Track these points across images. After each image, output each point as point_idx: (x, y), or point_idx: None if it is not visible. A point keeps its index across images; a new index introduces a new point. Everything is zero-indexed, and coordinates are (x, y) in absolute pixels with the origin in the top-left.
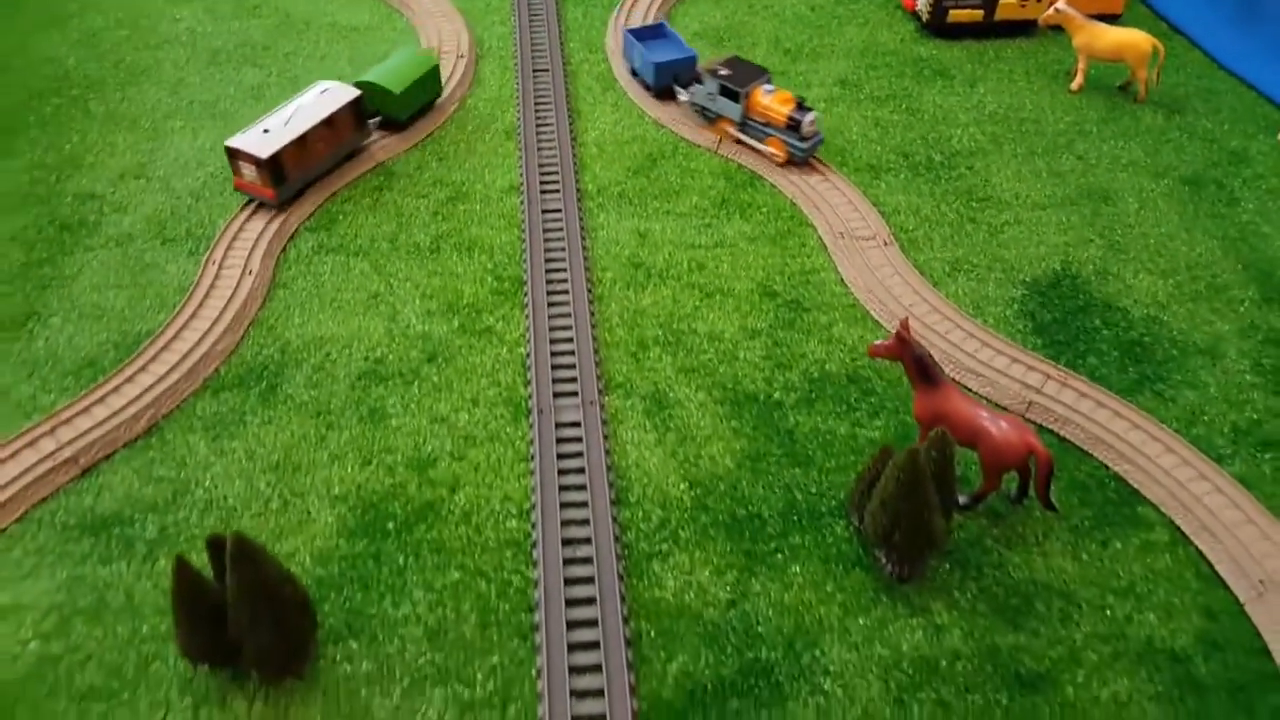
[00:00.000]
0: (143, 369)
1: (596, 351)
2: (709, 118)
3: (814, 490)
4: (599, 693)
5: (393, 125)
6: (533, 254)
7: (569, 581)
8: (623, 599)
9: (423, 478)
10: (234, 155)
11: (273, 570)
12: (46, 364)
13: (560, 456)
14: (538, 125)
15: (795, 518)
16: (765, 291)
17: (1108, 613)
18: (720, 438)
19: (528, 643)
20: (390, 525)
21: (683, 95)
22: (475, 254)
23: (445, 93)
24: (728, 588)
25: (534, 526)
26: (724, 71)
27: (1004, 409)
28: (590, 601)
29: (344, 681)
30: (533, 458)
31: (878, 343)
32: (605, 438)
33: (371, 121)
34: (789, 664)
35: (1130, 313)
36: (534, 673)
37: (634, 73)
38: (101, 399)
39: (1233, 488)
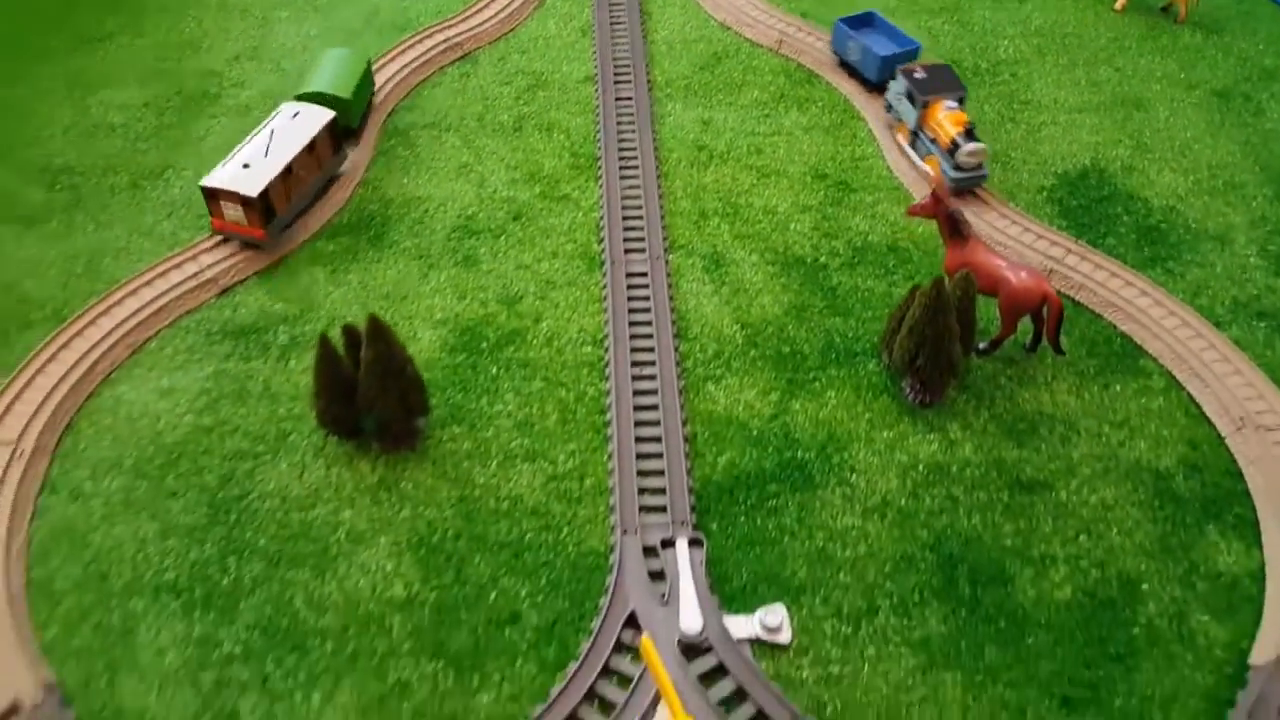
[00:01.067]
0: None
1: (662, 217)
2: (896, 118)
3: (851, 335)
4: (659, 473)
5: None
6: (606, 135)
7: (637, 393)
8: (682, 408)
9: (510, 311)
10: (213, 196)
11: (399, 350)
12: (182, 207)
13: (630, 299)
14: (612, 24)
15: (833, 355)
16: (816, 174)
17: (1103, 439)
18: (769, 291)
19: (601, 435)
20: (483, 345)
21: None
22: (554, 134)
23: None
24: (771, 405)
25: (606, 351)
26: (918, 75)
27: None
28: (654, 408)
29: (449, 456)
30: (605, 299)
31: (915, 203)
32: (669, 286)
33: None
34: (820, 462)
35: (1150, 203)
36: (606, 455)
37: (844, 64)
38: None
39: (1226, 346)
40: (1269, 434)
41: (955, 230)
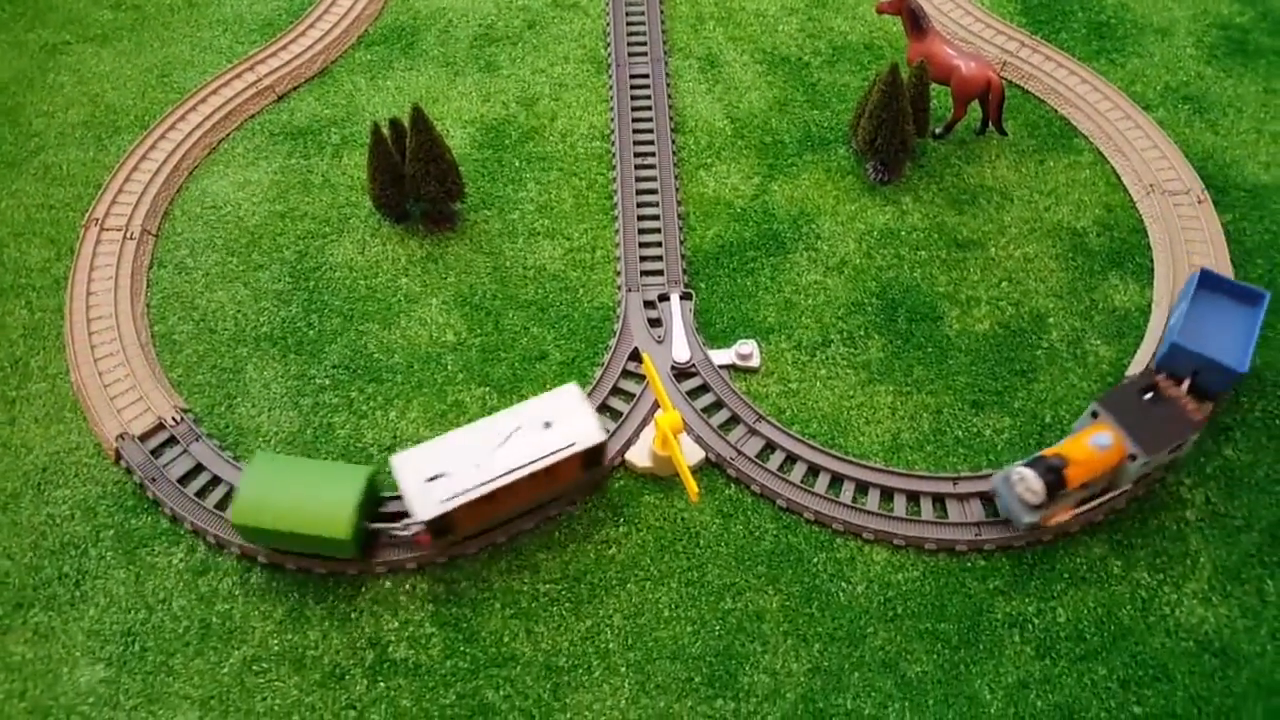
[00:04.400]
0: (311, 26)
1: (663, 21)
2: None
3: (826, 126)
4: (658, 244)
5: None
6: None
7: (639, 179)
8: (676, 191)
9: (529, 111)
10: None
11: (439, 138)
12: (235, 23)
13: (633, 99)
14: None
15: (809, 144)
16: None
17: (1032, 204)
18: (756, 89)
19: (609, 215)
20: (507, 141)
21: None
22: None
23: None
24: (753, 187)
25: (613, 144)
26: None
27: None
28: (653, 191)
29: (483, 234)
30: (611, 99)
31: (883, 1)
32: (668, 86)
33: None
34: (792, 232)
35: (1104, 0)
36: (613, 231)
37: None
38: (285, 46)
39: (1150, 126)
40: (1172, 197)
41: (915, 24)
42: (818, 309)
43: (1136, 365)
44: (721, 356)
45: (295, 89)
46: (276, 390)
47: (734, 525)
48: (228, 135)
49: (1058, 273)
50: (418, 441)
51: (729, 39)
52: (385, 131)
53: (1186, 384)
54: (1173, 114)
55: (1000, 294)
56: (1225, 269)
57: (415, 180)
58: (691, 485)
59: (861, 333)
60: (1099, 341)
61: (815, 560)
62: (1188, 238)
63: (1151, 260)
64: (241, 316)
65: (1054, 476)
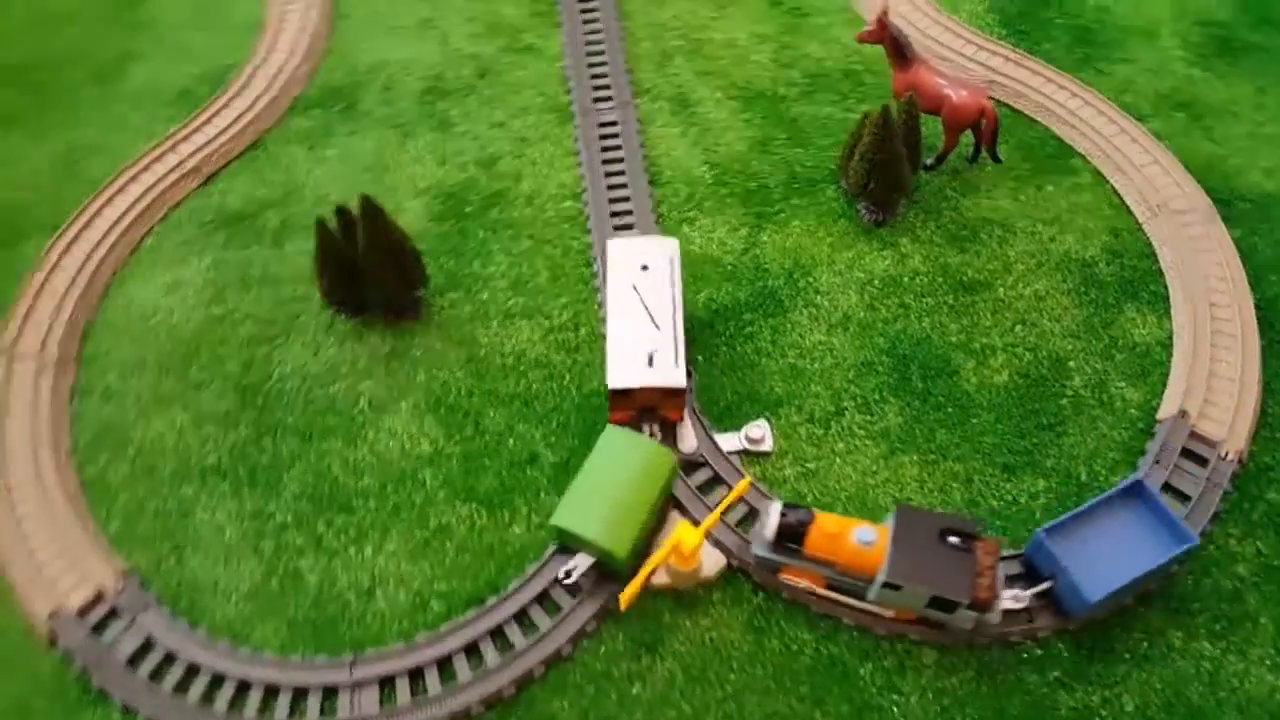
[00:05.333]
0: (237, 94)
1: (626, 60)
2: None
3: (810, 164)
4: None
5: None
6: None
7: None
8: None
9: (490, 172)
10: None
11: (394, 227)
12: (149, 96)
13: (603, 150)
14: None
15: (795, 185)
16: (772, 1)
17: (1036, 236)
18: (733, 128)
19: (589, 286)
20: (468, 209)
21: None
22: None
23: None
24: (742, 240)
25: (585, 204)
26: None
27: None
28: None
29: (452, 320)
30: (579, 152)
31: (863, 30)
32: (639, 133)
33: None
34: (789, 288)
35: (1085, 3)
36: (596, 304)
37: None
38: (208, 120)
39: (1146, 139)
40: (1179, 216)
41: (900, 53)
42: (826, 373)
43: (1165, 409)
44: (730, 442)
45: (224, 168)
46: (232, 534)
47: (768, 641)
48: (151, 229)
49: (1071, 310)
50: (401, 580)
51: (699, 74)
52: (332, 224)
53: (1038, 589)
54: (1168, 124)
55: (1015, 339)
56: (1242, 290)
57: (371, 274)
58: (631, 595)
59: (876, 397)
60: (1124, 383)
61: (862, 672)
62: (1200, 260)
63: (1166, 287)
64: (184, 447)
65: (791, 525)
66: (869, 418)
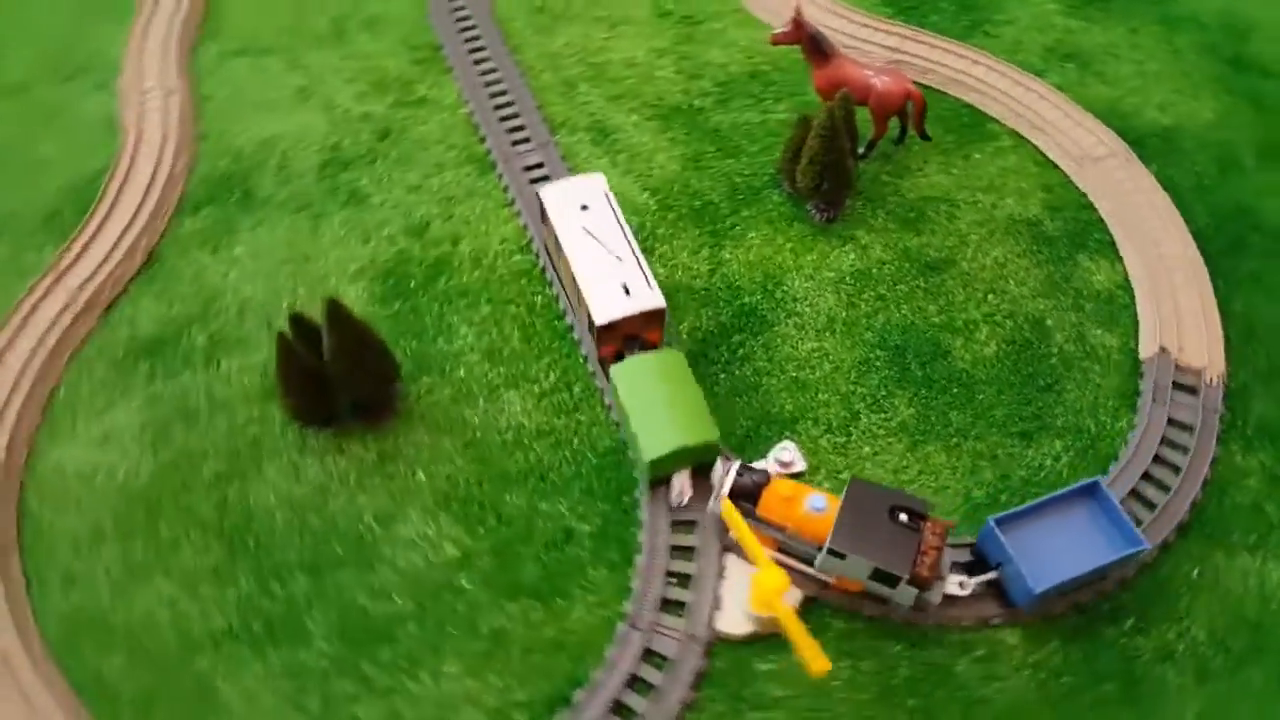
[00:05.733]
0: (114, 206)
1: (534, 96)
2: None
3: (748, 173)
4: None
5: None
6: (439, 17)
7: None
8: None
9: (423, 240)
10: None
11: (361, 325)
12: (9, 226)
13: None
14: None
15: (739, 197)
16: (660, 12)
17: (978, 205)
18: (661, 149)
19: (568, 339)
20: (412, 284)
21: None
22: (382, 29)
23: None
24: (705, 261)
25: (537, 255)
26: None
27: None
28: None
29: (433, 407)
30: (512, 201)
31: (777, 31)
32: (568, 171)
33: None
34: (767, 301)
35: None
36: (581, 357)
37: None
38: (89, 242)
39: (1051, 93)
40: (1102, 163)
41: (818, 49)
42: (829, 380)
43: (1146, 349)
44: (761, 469)
45: (123, 292)
46: (268, 699)
47: (862, 663)
48: (60, 381)
49: (1032, 270)
50: (472, 701)
51: (609, 100)
52: (289, 335)
53: (983, 578)
54: (1063, 75)
55: (991, 309)
56: (1177, 222)
57: (342, 379)
58: (817, 657)
59: (883, 393)
60: (1100, 331)
61: (959, 669)
62: (1133, 201)
63: (1108, 232)
64: (181, 618)
65: (746, 485)
66: (883, 415)
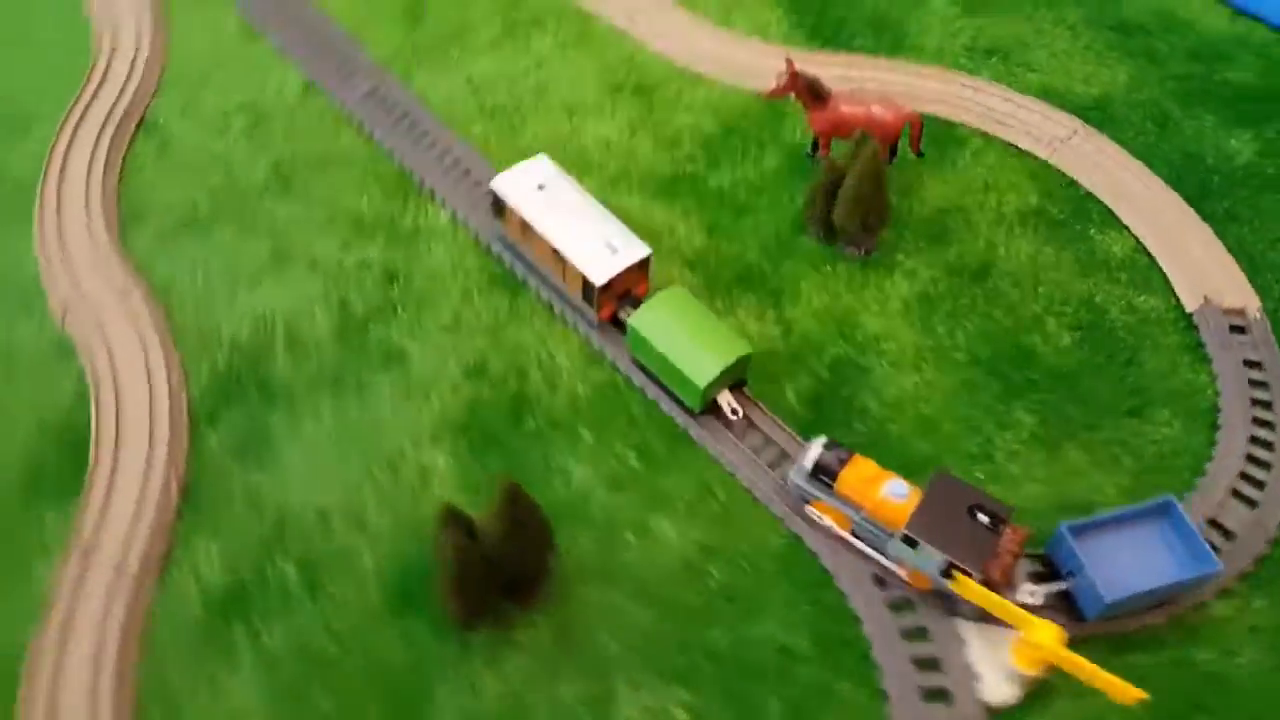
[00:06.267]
0: (118, 446)
1: None
2: None
3: (769, 228)
4: (770, 445)
5: None
6: (395, 141)
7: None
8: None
9: (488, 381)
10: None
11: (530, 502)
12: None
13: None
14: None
15: (774, 251)
16: (610, 88)
17: (985, 207)
18: (678, 222)
19: (684, 439)
20: (499, 432)
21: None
22: (335, 167)
23: None
24: (773, 324)
25: (617, 368)
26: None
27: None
28: None
29: (583, 561)
30: (561, 312)
31: (772, 87)
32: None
33: None
34: (852, 347)
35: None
36: (708, 457)
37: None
38: (107, 500)
39: (995, 89)
40: (1070, 142)
41: (816, 94)
42: (948, 409)
43: (1190, 303)
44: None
45: (171, 545)
46: None
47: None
48: (138, 677)
49: (1060, 254)
50: None
51: (605, 184)
52: (460, 536)
53: (1055, 587)
54: (992, 70)
55: (1047, 300)
56: (1154, 181)
57: (508, 561)
58: (1127, 688)
59: (1000, 408)
60: (1143, 296)
61: (1198, 658)
62: (1110, 168)
63: (1103, 204)
64: None
65: (830, 460)
66: (1012, 432)
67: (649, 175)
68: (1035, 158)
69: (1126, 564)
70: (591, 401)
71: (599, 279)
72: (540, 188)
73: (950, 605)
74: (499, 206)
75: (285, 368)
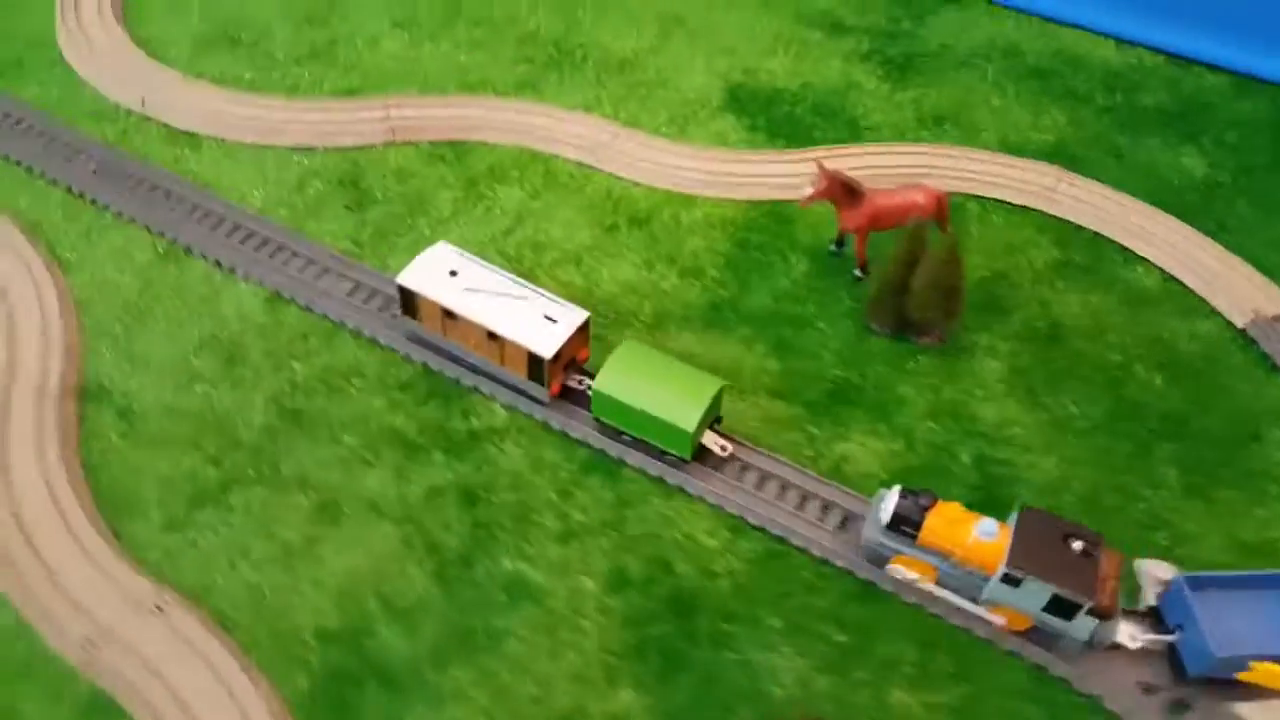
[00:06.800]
0: None
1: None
2: None
3: (836, 335)
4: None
5: None
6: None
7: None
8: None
9: (640, 586)
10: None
11: None
12: None
13: None
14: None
15: (854, 359)
16: (607, 227)
17: (1018, 266)
18: (743, 353)
19: (850, 593)
20: (679, 649)
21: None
22: (346, 381)
23: None
24: (895, 438)
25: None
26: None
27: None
28: None
29: None
30: (696, 494)
31: (808, 193)
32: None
33: None
34: (985, 443)
35: (794, 93)
36: (907, 605)
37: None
38: None
39: (964, 151)
40: (1057, 190)
41: (852, 192)
42: (1097, 481)
43: (1241, 319)
44: (1153, 579)
45: None
46: None
47: None
48: None
49: (1105, 299)
50: None
51: (648, 329)
52: None
53: (1159, 637)
54: (949, 134)
55: (1121, 348)
56: (1148, 211)
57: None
58: None
59: (1141, 465)
60: (1198, 321)
61: None
62: (1103, 207)
63: (1114, 241)
64: None
65: (910, 508)
66: (1166, 489)
67: (688, 310)
68: (1037, 211)
69: (1243, 625)
70: (754, 576)
71: (547, 352)
72: (453, 274)
73: (1063, 646)
74: (409, 303)
75: (397, 643)
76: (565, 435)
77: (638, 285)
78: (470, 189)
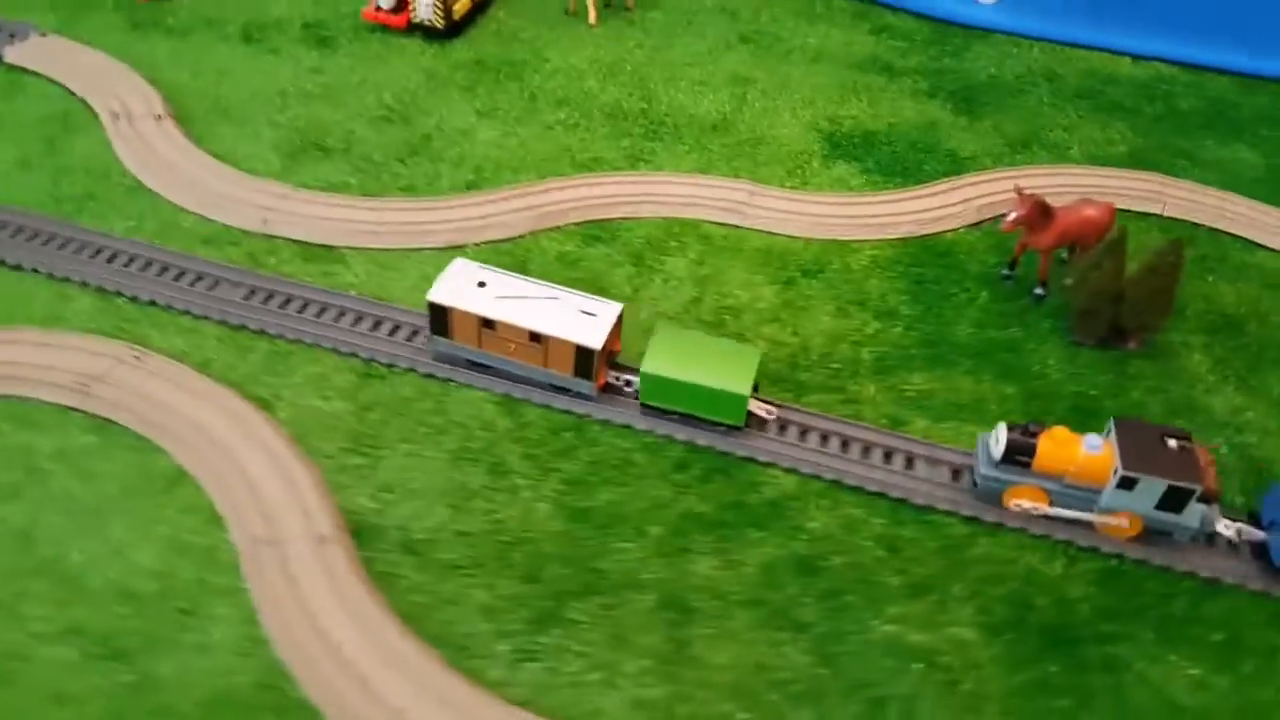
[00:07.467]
0: None
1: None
2: None
3: (1058, 364)
4: None
5: None
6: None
7: None
8: None
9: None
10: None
11: None
12: None
13: None
14: None
15: (1082, 379)
16: (784, 281)
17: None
18: (927, 389)
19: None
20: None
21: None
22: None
23: None
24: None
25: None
26: None
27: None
28: None
29: None
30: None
31: (1008, 219)
32: None
33: None
34: (1232, 434)
35: (878, 128)
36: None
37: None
38: None
39: (1061, 168)
40: (1164, 193)
41: (1047, 211)
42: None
43: None
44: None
45: None
46: None
47: None
48: None
49: (1249, 282)
50: None
51: (881, 376)
52: None
53: (1252, 531)
54: (1039, 155)
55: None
56: (1243, 204)
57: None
58: None
59: None
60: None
61: None
62: (1204, 203)
63: (1228, 233)
64: None
65: (1020, 439)
66: None
67: (904, 350)
68: (1154, 215)
69: None
70: (1103, 594)
71: (596, 343)
72: (481, 285)
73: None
74: (440, 320)
75: None
76: (861, 490)
77: (844, 333)
78: (639, 264)
